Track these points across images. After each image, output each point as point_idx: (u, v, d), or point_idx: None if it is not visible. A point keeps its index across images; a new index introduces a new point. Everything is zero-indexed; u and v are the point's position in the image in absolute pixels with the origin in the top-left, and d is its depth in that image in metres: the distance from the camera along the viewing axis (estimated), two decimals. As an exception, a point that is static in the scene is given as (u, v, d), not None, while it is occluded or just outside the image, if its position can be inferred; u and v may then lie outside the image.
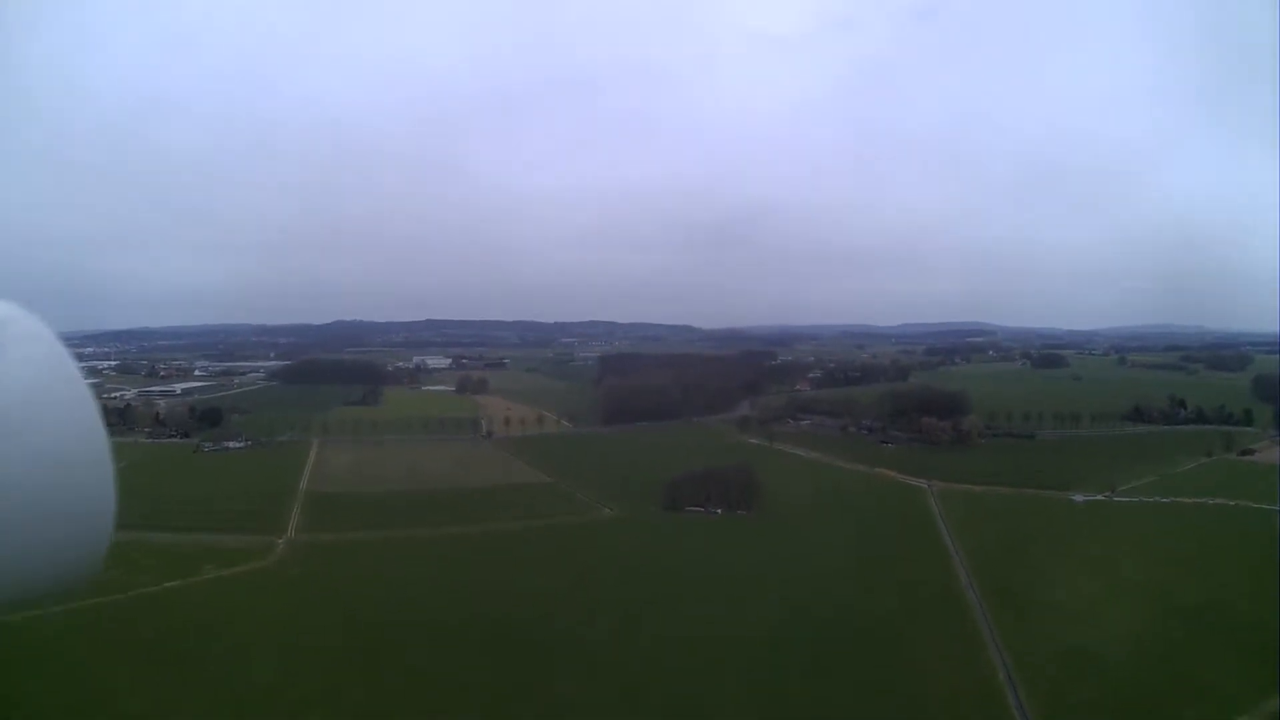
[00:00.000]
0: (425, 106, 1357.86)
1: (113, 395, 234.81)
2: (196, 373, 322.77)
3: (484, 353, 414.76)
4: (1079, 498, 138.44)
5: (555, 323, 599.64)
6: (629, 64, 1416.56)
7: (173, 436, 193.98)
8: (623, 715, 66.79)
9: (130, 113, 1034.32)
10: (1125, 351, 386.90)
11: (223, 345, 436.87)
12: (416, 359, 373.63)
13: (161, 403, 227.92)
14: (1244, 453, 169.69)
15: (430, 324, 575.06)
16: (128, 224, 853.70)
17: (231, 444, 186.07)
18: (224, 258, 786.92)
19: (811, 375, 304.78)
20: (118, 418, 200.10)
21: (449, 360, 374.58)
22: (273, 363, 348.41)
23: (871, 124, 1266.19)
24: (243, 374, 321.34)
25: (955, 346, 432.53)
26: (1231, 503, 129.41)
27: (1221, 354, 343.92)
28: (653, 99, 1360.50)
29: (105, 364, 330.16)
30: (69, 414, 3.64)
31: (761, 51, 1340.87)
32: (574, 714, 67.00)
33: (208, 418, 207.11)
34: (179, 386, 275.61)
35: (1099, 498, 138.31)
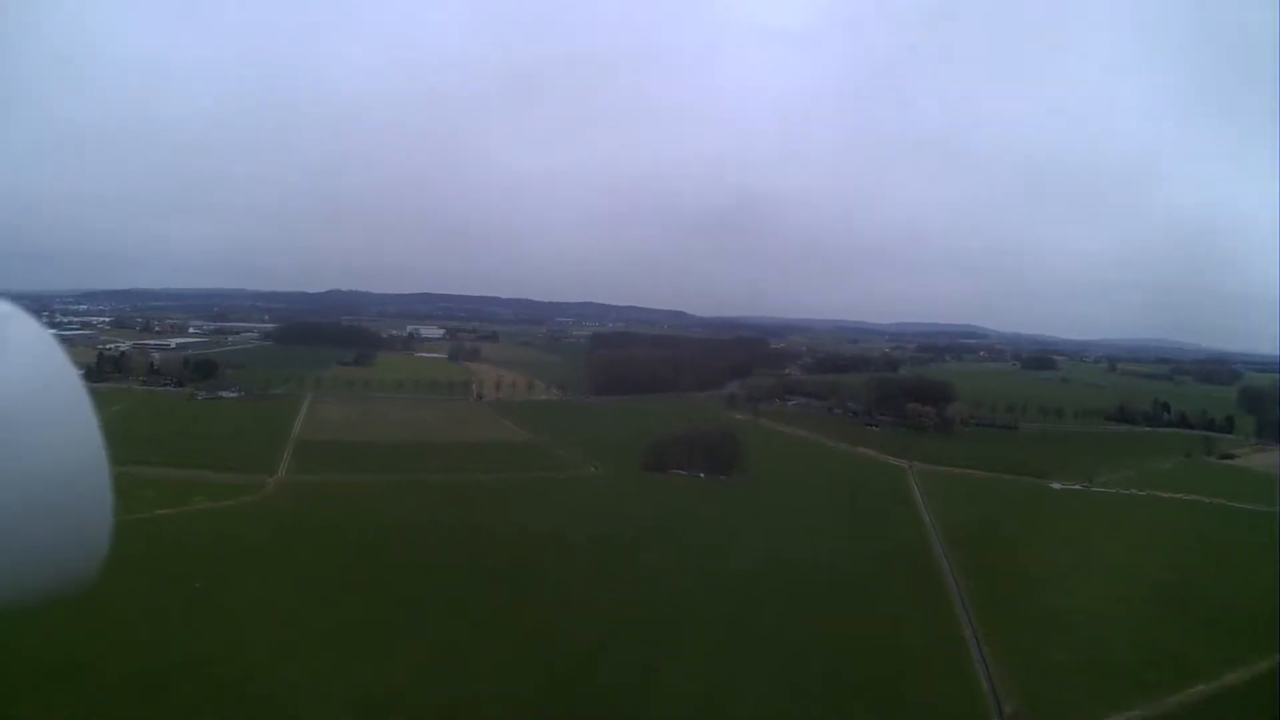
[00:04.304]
0: (430, 84, 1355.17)
1: (107, 346, 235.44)
2: (191, 330, 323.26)
3: (478, 326, 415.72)
4: (1057, 485, 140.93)
5: (550, 302, 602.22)
6: (633, 50, 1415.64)
7: (167, 385, 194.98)
8: (594, 644, 68.27)
9: (136, 78, 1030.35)
10: (1117, 361, 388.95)
11: (218, 308, 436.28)
12: (410, 327, 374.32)
13: (156, 355, 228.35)
14: (1224, 456, 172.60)
15: (425, 297, 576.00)
16: (127, 187, 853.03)
17: (225, 394, 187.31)
18: (223, 224, 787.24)
19: (801, 362, 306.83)
20: (112, 366, 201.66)
21: (443, 330, 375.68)
22: (267, 325, 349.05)
23: (873, 123, 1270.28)
24: (237, 333, 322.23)
25: (947, 346, 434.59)
26: (1207, 500, 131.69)
27: (1211, 368, 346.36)
28: (657, 86, 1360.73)
29: (100, 319, 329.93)
30: (67, 415, 3.51)
31: (767, 45, 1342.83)
32: (541, 641, 68.50)
33: (202, 369, 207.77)
34: (173, 341, 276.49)
35: (1076, 487, 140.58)
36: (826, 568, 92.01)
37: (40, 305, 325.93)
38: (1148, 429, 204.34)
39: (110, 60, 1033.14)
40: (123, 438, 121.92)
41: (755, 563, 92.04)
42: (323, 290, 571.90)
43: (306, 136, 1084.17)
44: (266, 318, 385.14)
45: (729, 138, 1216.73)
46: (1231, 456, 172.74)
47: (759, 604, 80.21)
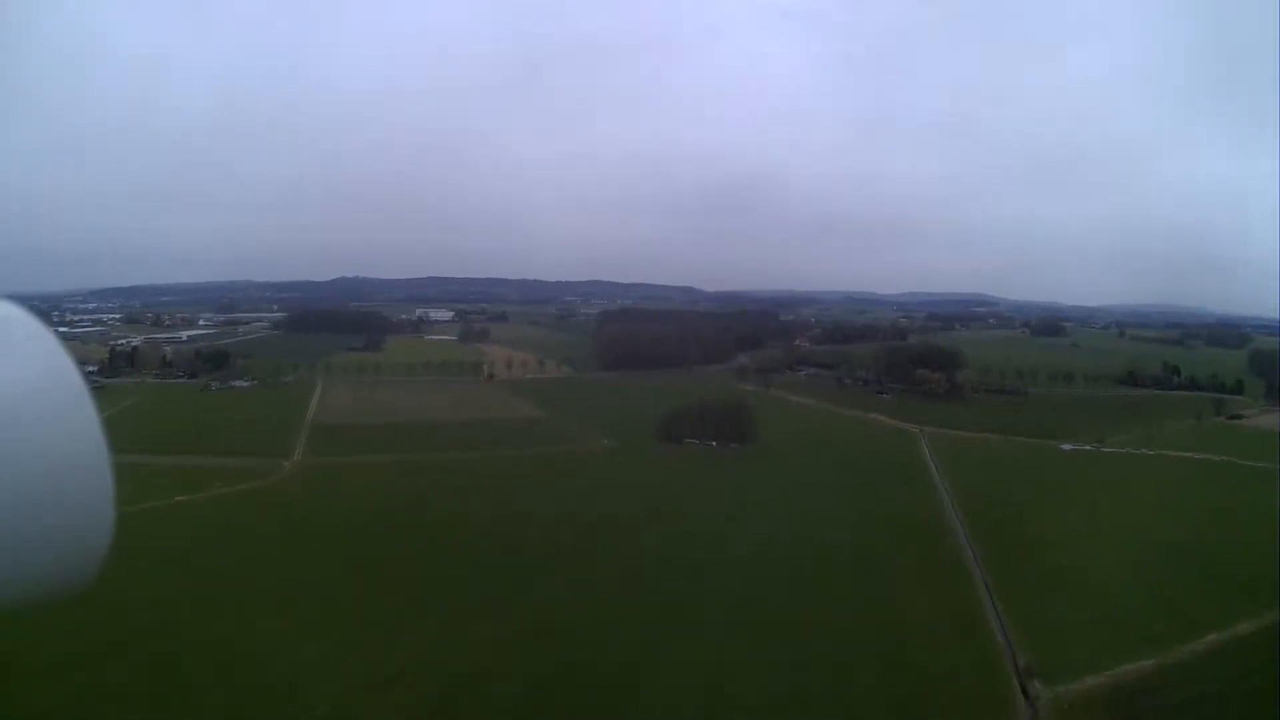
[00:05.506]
0: (435, 70, 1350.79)
1: (119, 342, 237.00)
2: (201, 322, 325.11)
3: (487, 307, 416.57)
4: (1066, 446, 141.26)
5: (558, 281, 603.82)
6: (638, 31, 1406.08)
7: (179, 377, 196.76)
8: (606, 616, 69.19)
9: (138, 75, 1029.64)
10: (1126, 326, 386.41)
11: (227, 300, 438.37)
12: (419, 311, 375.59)
13: (168, 348, 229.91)
14: (1233, 417, 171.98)
15: (433, 280, 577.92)
16: (132, 185, 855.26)
17: (238, 383, 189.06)
18: (228, 217, 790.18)
19: (811, 333, 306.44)
20: (125, 360, 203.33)
21: (452, 313, 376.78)
22: (276, 314, 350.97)
23: (879, 97, 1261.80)
24: (247, 324, 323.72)
25: (956, 314, 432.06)
26: (1216, 458, 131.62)
27: (1221, 333, 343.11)
28: (662, 66, 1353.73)
29: (111, 316, 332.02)
30: (68, 414, 3.50)
31: (770, 22, 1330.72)
32: (558, 610, 69.54)
33: (213, 360, 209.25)
34: (184, 334, 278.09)
35: (1086, 448, 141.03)
36: (842, 530, 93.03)
37: (51, 306, 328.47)
38: (1157, 392, 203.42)
39: (112, 58, 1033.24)
40: (138, 429, 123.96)
41: (771, 527, 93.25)
42: (331, 278, 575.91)
43: (310, 127, 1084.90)
44: (276, 307, 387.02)
45: (736, 115, 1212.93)
46: (1240, 417, 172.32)
47: (778, 566, 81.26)
